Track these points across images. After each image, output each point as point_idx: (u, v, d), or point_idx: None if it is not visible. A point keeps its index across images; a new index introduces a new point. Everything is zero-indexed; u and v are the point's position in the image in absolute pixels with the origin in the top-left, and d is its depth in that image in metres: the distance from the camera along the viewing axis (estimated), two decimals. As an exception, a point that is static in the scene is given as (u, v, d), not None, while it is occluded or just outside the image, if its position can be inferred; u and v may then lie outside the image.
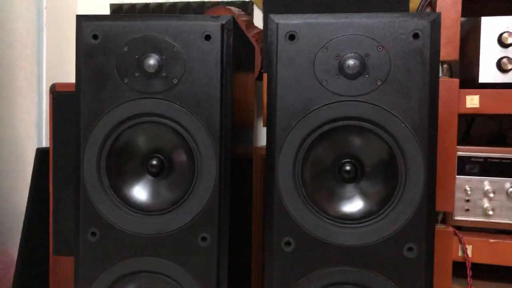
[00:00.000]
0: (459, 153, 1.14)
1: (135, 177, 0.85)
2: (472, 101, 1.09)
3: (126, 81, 0.82)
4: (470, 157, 1.14)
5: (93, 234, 0.84)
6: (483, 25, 1.08)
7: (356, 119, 0.78)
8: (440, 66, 1.11)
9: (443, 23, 1.08)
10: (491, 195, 1.11)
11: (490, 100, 1.08)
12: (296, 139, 0.79)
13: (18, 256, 1.51)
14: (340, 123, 0.79)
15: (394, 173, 0.79)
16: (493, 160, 1.13)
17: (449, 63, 1.12)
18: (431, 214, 0.78)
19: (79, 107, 0.83)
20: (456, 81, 1.08)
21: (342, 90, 0.78)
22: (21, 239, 1.50)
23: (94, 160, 0.82)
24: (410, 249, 0.78)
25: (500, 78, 1.09)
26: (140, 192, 0.84)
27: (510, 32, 1.07)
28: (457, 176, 1.14)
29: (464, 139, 1.37)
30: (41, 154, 1.48)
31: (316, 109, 0.79)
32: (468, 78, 1.16)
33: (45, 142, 1.62)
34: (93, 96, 0.82)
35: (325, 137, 0.80)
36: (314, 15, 0.79)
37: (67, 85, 1.29)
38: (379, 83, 0.78)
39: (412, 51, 0.77)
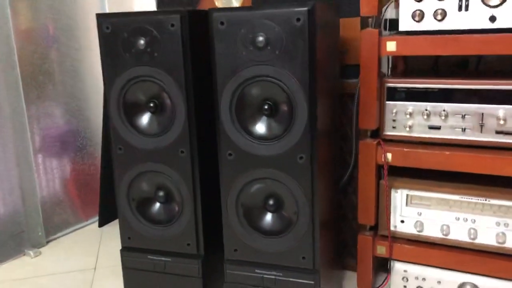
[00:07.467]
0: (388, 85, 1.50)
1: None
2: (391, 46, 1.43)
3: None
4: (396, 87, 1.50)
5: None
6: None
7: (265, 76, 1.21)
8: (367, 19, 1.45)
9: (366, -14, 1.41)
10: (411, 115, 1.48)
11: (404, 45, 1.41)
12: (229, 91, 1.25)
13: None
14: (256, 79, 1.23)
15: (291, 110, 1.22)
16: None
17: (372, 17, 1.45)
18: (313, 137, 1.21)
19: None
20: (375, 31, 1.42)
21: (254, 58, 1.21)
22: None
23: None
24: (301, 157, 1.23)
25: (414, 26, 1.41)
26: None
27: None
28: (386, 102, 1.52)
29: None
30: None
31: (240, 71, 1.23)
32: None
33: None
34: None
35: (247, 88, 1.24)
36: (238, 8, 1.21)
37: None
38: (277, 52, 1.19)
39: (296, 30, 1.16)
